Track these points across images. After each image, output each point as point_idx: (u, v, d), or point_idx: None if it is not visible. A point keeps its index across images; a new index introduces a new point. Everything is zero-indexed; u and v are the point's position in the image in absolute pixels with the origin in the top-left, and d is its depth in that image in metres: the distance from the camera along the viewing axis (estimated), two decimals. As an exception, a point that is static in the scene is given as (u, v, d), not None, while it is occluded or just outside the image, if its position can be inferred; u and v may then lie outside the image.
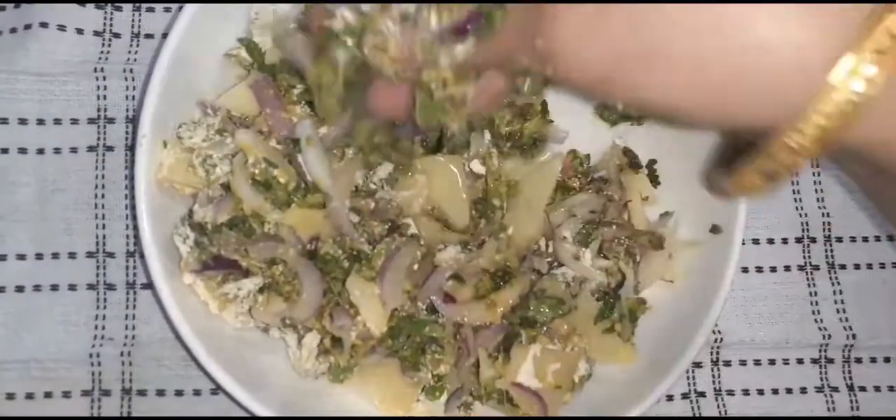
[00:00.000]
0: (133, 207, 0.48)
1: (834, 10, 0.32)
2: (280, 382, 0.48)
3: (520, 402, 0.49)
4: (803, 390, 0.56)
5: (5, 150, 0.53)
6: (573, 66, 0.36)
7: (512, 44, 0.35)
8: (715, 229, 0.51)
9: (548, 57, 0.36)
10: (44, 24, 0.53)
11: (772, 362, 0.55)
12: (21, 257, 0.52)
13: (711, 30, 0.32)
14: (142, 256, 0.51)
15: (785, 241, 0.57)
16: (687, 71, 0.33)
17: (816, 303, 0.57)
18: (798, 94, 0.32)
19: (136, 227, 0.51)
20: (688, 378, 0.55)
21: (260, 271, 0.47)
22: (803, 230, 0.58)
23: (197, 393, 0.51)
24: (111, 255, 0.52)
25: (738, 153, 0.36)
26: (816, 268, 0.57)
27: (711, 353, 0.55)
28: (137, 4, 0.56)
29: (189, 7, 0.46)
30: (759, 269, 0.57)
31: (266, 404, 0.44)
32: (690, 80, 0.33)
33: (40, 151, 0.53)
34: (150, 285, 0.52)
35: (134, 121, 0.54)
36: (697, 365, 0.55)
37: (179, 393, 0.51)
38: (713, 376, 0.55)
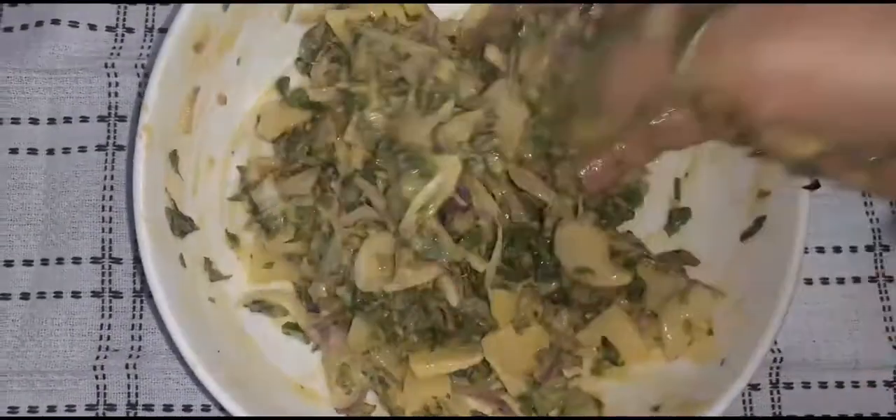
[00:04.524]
0: (130, 211, 0.45)
1: None
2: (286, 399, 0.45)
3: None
4: (875, 417, 0.51)
5: (15, 151, 0.52)
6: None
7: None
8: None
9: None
10: (56, 21, 0.53)
11: (839, 385, 0.51)
12: (28, 263, 0.50)
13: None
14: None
15: (854, 249, 0.53)
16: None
17: (890, 318, 0.52)
18: None
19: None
20: (744, 401, 0.51)
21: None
22: (875, 237, 0.53)
23: (206, 408, 0.49)
24: (117, 261, 0.50)
25: None
26: (890, 279, 0.53)
27: (770, 374, 0.51)
28: (151, -3, 0.54)
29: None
30: (825, 281, 0.53)
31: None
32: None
33: (50, 152, 0.52)
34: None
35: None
36: (754, 387, 0.51)
37: (187, 408, 0.49)
38: (772, 400, 0.51)
